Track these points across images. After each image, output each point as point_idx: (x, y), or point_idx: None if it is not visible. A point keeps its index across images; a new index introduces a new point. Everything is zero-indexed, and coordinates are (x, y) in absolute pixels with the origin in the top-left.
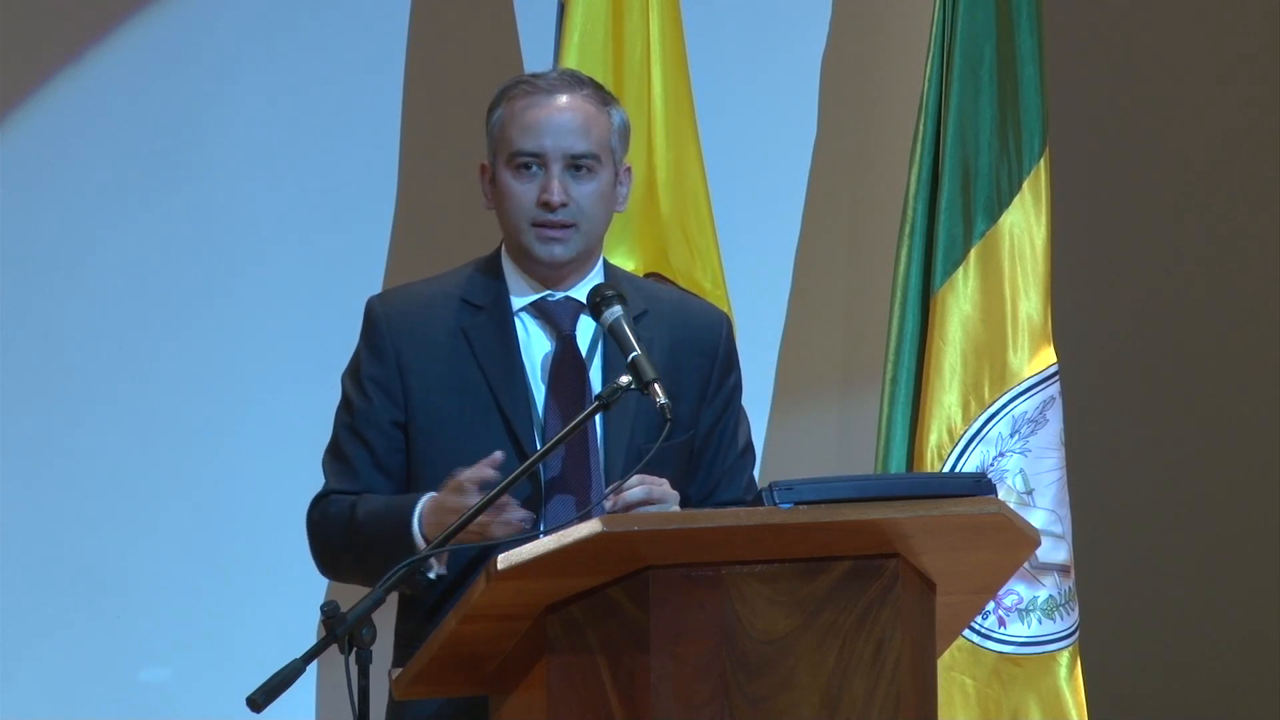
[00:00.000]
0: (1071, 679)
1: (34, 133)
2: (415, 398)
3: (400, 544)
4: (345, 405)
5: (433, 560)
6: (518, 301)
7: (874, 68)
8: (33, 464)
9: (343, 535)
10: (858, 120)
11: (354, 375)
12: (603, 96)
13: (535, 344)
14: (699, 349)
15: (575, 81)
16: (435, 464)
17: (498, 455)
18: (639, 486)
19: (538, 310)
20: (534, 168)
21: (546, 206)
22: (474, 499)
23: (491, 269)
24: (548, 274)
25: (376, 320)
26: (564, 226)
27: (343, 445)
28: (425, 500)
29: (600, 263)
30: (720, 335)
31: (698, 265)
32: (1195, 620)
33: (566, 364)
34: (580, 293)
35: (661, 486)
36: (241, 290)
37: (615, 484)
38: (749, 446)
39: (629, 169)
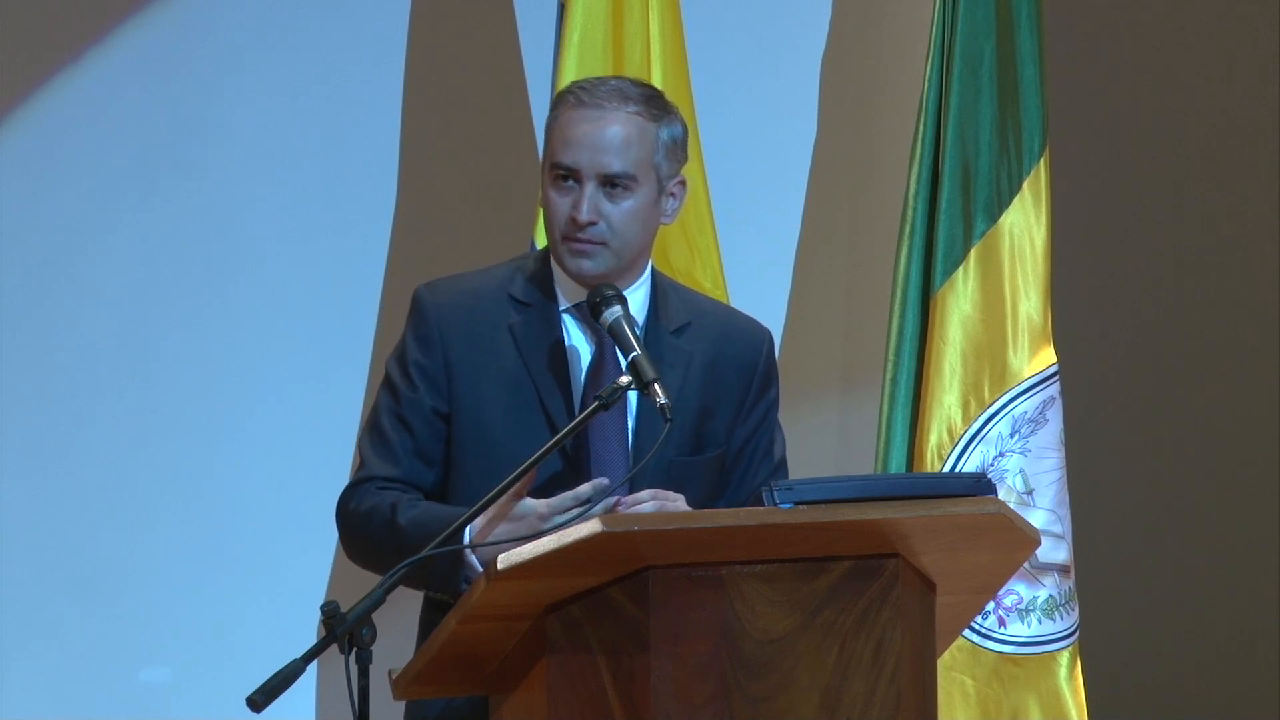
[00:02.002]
0: (1071, 679)
1: (34, 133)
2: (460, 389)
3: (447, 564)
4: (390, 390)
5: (478, 567)
6: (563, 303)
7: (874, 68)
8: (33, 464)
9: (383, 535)
10: (858, 120)
11: (400, 361)
12: (654, 111)
13: (578, 345)
14: (738, 364)
15: (624, 96)
16: (475, 457)
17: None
18: (651, 501)
19: (580, 313)
20: (570, 181)
21: (574, 224)
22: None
23: (541, 268)
24: (582, 283)
25: (425, 309)
26: (592, 243)
27: (386, 430)
28: (477, 524)
29: (648, 270)
30: (761, 352)
31: (698, 265)
32: (1195, 620)
33: (603, 368)
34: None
35: (676, 501)
36: (241, 290)
37: (614, 486)
38: (783, 463)
39: (682, 181)
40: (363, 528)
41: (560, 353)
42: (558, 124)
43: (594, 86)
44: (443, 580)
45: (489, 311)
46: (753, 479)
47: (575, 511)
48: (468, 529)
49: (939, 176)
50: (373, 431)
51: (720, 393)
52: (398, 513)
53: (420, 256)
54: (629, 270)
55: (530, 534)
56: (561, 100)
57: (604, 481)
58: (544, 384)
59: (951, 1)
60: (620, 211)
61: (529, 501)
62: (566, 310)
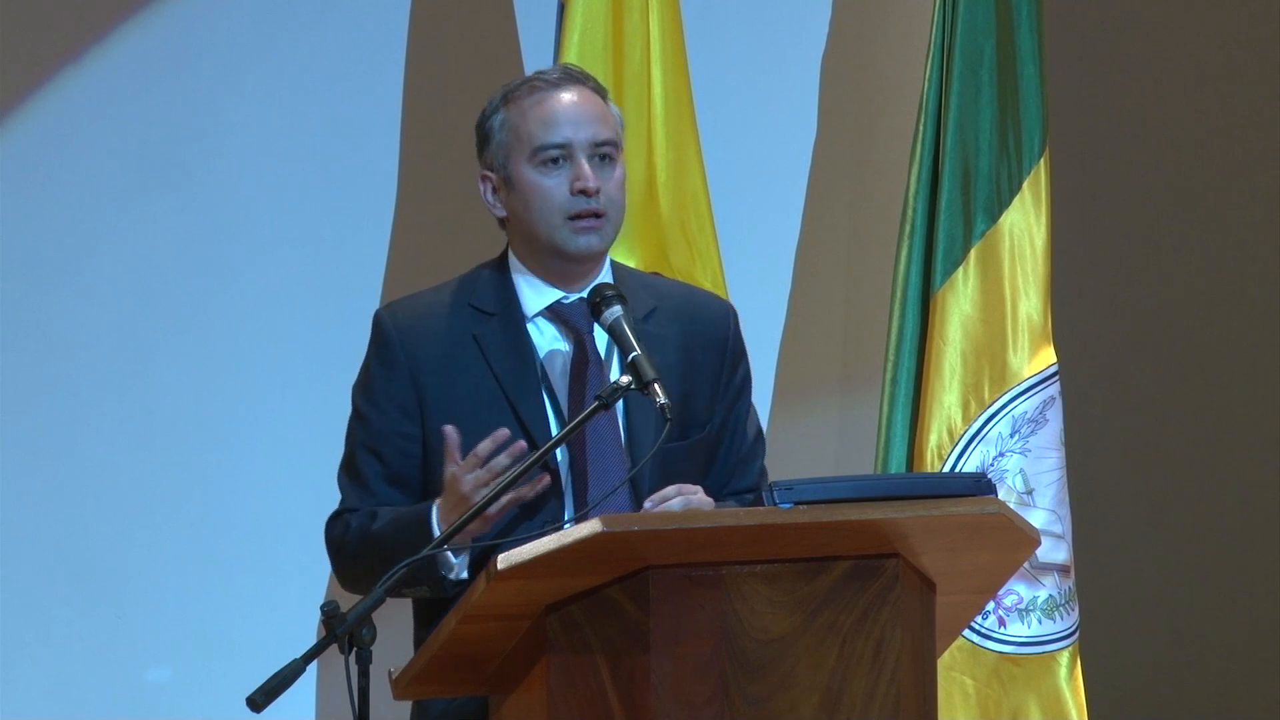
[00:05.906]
0: (1071, 679)
1: (34, 133)
2: (430, 408)
3: (421, 546)
4: (357, 418)
5: (454, 560)
6: (531, 307)
7: (874, 68)
8: (33, 464)
9: (359, 548)
10: (858, 120)
11: (365, 388)
12: (602, 91)
13: (552, 348)
14: (709, 343)
15: (579, 75)
16: None
17: (503, 431)
18: (677, 498)
19: (553, 314)
20: (560, 160)
21: (585, 194)
22: (473, 485)
23: (499, 276)
24: (574, 270)
25: (387, 332)
26: (596, 215)
27: (356, 461)
28: (439, 501)
29: (607, 260)
30: (729, 327)
31: (698, 265)
32: (1195, 620)
33: (586, 365)
34: None
35: (697, 494)
36: (241, 291)
37: (617, 487)
38: (760, 434)
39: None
40: (342, 550)
41: (529, 358)
42: (524, 113)
43: (544, 74)
44: (425, 577)
45: (451, 325)
46: (736, 452)
47: (510, 471)
48: (434, 516)
49: (939, 176)
50: (347, 466)
51: (696, 374)
52: (371, 522)
53: (420, 256)
54: (605, 252)
55: (486, 500)
56: (514, 95)
57: (522, 444)
58: (514, 391)
59: (951, 1)
60: (613, 181)
61: (465, 477)
62: (539, 315)
